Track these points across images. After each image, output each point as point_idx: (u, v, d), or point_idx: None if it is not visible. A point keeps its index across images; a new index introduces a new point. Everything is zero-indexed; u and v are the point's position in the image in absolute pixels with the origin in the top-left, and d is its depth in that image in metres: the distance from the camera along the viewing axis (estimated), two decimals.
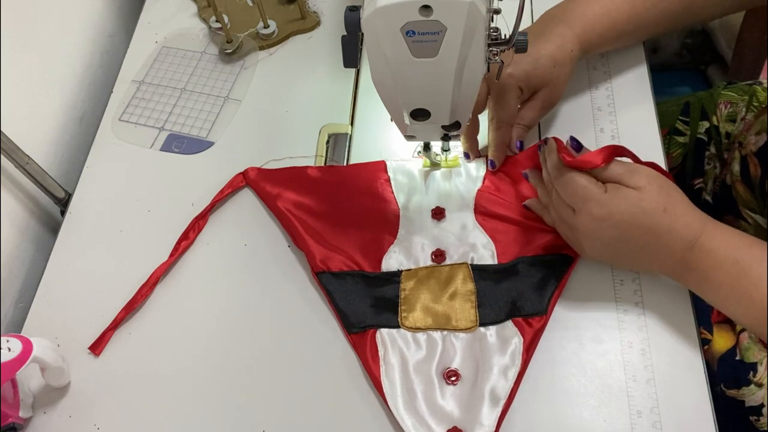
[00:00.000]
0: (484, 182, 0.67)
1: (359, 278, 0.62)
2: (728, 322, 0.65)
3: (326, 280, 0.62)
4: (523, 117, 0.66)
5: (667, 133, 0.83)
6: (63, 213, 0.73)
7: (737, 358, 0.62)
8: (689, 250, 0.54)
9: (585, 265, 0.61)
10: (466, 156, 0.68)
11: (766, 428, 0.61)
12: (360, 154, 0.72)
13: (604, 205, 0.54)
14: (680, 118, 0.82)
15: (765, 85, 0.77)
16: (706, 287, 0.55)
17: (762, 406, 0.60)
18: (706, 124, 0.80)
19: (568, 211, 0.57)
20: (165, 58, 0.83)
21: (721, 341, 0.64)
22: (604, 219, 0.54)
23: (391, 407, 0.55)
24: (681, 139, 0.82)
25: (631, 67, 0.75)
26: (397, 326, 0.59)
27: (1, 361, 0.51)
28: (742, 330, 0.63)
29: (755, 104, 0.76)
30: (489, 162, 0.67)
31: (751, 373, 0.61)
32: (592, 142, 0.69)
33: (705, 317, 0.65)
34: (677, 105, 0.83)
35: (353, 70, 0.78)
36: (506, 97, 0.63)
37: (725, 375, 0.62)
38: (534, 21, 0.72)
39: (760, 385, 0.60)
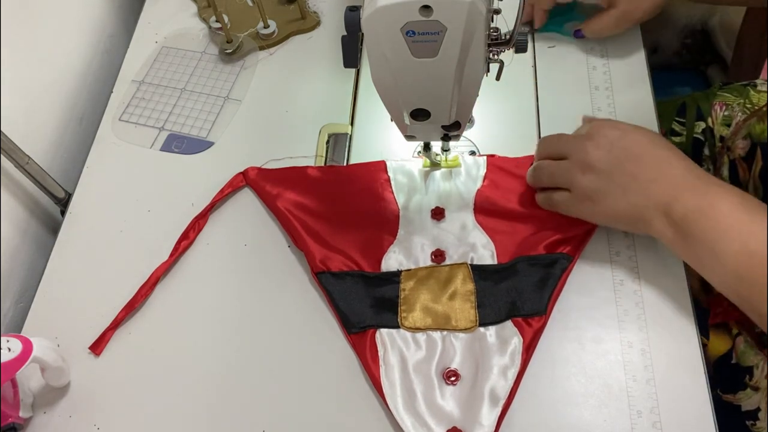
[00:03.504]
0: (483, 182, 0.67)
1: (359, 278, 0.62)
2: (724, 326, 0.65)
3: (326, 280, 0.62)
4: (591, 27, 0.62)
5: (664, 134, 0.83)
6: (63, 213, 0.73)
7: (733, 361, 0.62)
8: (697, 176, 0.52)
9: (585, 265, 0.61)
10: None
11: None
12: (360, 154, 0.72)
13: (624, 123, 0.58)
14: (676, 118, 0.82)
15: (758, 87, 0.76)
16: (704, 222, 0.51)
17: (758, 410, 0.60)
18: (702, 125, 0.80)
19: (587, 126, 0.59)
20: (165, 58, 0.83)
21: (718, 345, 0.63)
22: (619, 125, 0.57)
23: (390, 407, 0.55)
24: (677, 140, 0.82)
25: (631, 66, 0.74)
26: (396, 326, 0.59)
27: (1, 361, 0.51)
28: (738, 333, 0.63)
29: (748, 106, 0.76)
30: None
31: (748, 377, 0.60)
32: None
33: (701, 320, 0.65)
34: (673, 105, 0.83)
35: (353, 70, 0.78)
36: None
37: (721, 379, 0.62)
38: None
39: (756, 389, 0.60)
